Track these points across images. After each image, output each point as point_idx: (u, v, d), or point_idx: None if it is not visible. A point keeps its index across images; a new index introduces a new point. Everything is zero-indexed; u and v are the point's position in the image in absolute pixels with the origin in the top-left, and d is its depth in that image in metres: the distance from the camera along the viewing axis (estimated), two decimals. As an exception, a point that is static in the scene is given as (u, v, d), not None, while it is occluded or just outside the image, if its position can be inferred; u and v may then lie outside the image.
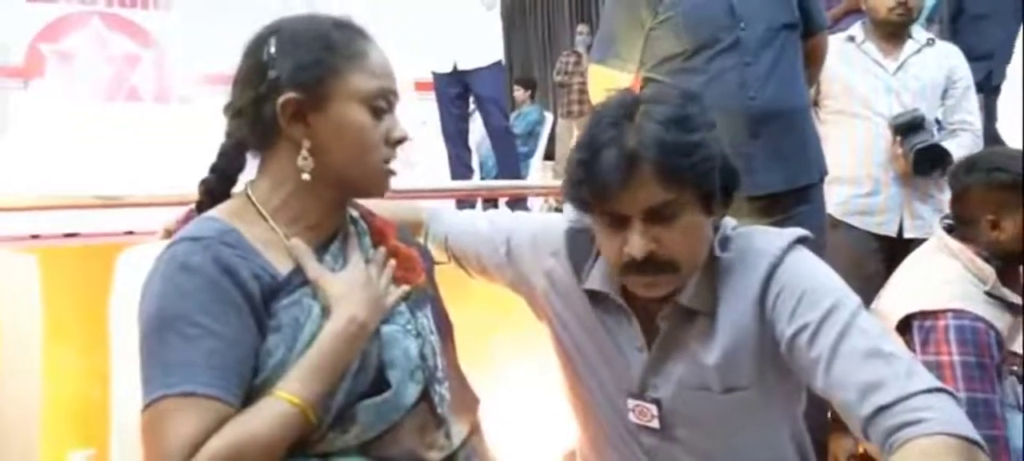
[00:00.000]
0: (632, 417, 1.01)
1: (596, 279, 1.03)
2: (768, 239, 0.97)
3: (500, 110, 3.85)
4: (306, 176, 0.84)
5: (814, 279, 0.93)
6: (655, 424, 1.00)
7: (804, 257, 0.96)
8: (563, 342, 1.07)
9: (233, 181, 0.91)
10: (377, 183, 0.89)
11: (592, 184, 0.92)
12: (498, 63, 3.73)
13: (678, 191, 0.91)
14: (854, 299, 0.92)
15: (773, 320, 0.93)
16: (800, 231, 0.99)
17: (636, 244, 0.91)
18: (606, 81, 1.70)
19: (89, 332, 1.15)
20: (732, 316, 0.95)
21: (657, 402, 0.99)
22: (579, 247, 1.05)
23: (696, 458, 1.00)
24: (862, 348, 0.86)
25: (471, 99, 3.82)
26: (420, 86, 4.45)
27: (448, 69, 3.67)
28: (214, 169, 0.91)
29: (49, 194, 1.81)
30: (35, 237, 1.72)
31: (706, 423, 0.99)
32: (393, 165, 0.90)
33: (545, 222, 1.16)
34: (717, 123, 0.96)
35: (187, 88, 4.96)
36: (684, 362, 0.98)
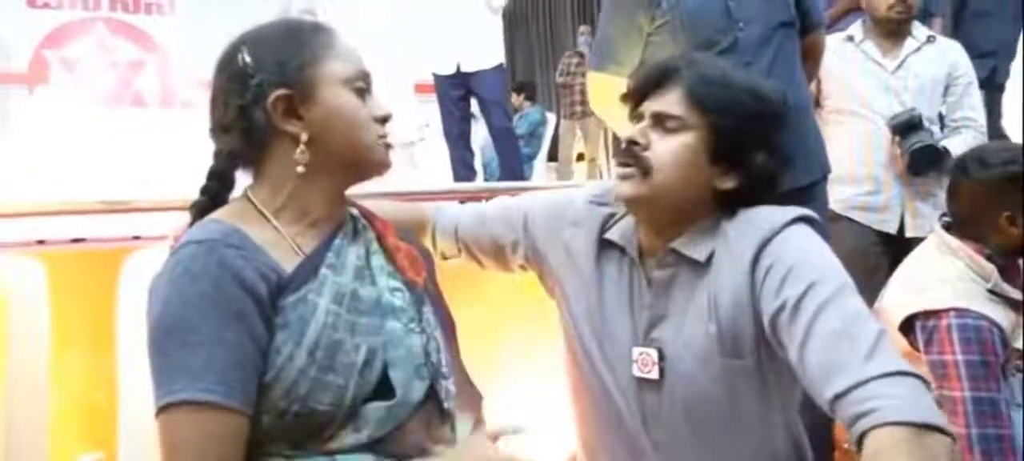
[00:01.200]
0: (635, 369, 1.02)
1: (615, 233, 1.08)
2: (770, 212, 1.00)
3: (503, 111, 3.86)
4: (301, 168, 0.85)
5: (803, 255, 0.94)
6: (655, 374, 1.01)
7: (801, 234, 0.97)
8: (574, 311, 1.09)
9: (225, 201, 0.92)
10: (377, 160, 0.90)
11: (634, 84, 1.06)
12: (500, 65, 3.75)
13: (691, 114, 0.99)
14: (839, 278, 0.92)
15: (761, 295, 0.94)
16: (803, 210, 1.01)
17: (631, 130, 1.02)
18: (606, 88, 1.70)
19: (96, 336, 1.16)
20: (728, 280, 0.97)
21: (660, 351, 1.01)
22: (602, 216, 1.10)
23: (691, 428, 1.01)
24: (833, 328, 0.87)
25: (473, 101, 3.83)
26: (420, 88, 4.46)
27: (451, 71, 3.68)
28: (205, 190, 0.91)
29: (55, 200, 1.82)
30: (41, 242, 1.73)
31: (703, 387, 0.99)
32: (396, 165, 0.92)
33: (561, 196, 1.18)
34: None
35: (190, 92, 4.98)
36: (688, 319, 1.00)
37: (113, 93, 5.16)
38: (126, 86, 5.24)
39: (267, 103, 0.85)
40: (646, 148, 1.00)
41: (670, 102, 1.00)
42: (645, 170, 0.99)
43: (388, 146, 0.91)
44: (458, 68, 3.66)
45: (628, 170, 1.00)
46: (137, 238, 1.62)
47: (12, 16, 4.99)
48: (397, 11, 4.41)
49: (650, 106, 1.02)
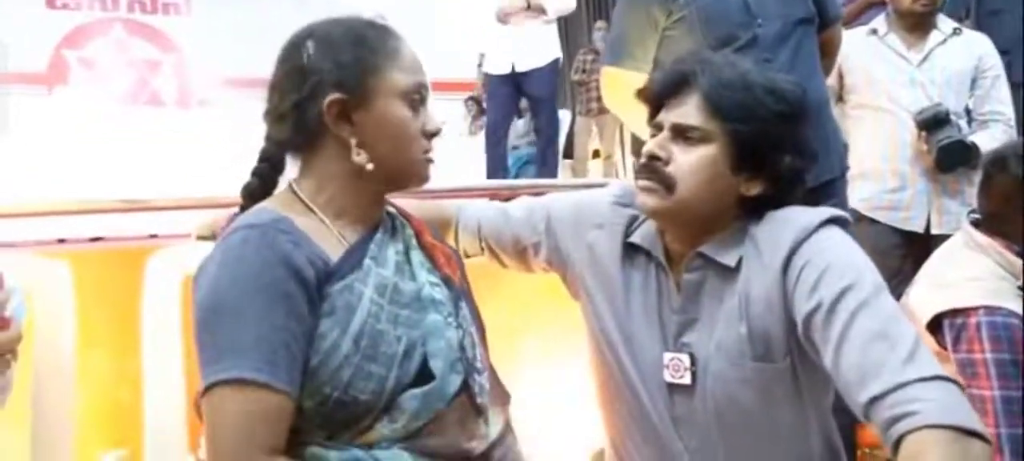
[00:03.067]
0: (667, 374, 1.01)
1: (639, 236, 1.07)
2: (801, 213, 0.98)
3: (552, 110, 3.89)
4: (370, 166, 0.87)
5: (837, 257, 0.92)
6: (687, 379, 0.99)
7: (833, 235, 0.96)
8: (600, 314, 1.08)
9: (275, 184, 0.93)
10: (419, 173, 0.92)
11: (651, 91, 1.03)
12: (556, 61, 3.73)
13: (711, 123, 0.97)
14: (875, 280, 0.90)
15: (794, 297, 0.93)
16: (835, 210, 0.99)
17: (650, 143, 1.00)
18: (620, 84, 1.68)
19: (120, 334, 1.17)
20: (759, 283, 0.96)
21: (691, 355, 1.00)
22: (627, 218, 1.09)
23: (724, 433, 0.99)
24: (869, 330, 0.85)
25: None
26: (437, 86, 4.47)
27: (506, 71, 3.67)
28: (256, 173, 0.93)
29: (76, 199, 1.83)
30: (61, 241, 1.75)
31: (736, 391, 0.98)
32: (429, 158, 0.93)
33: (585, 197, 1.17)
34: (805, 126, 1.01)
35: (207, 92, 5.03)
36: (718, 323, 0.99)
37: (131, 93, 5.22)
38: (143, 86, 5.30)
39: (322, 104, 0.86)
40: (667, 162, 0.98)
41: (688, 112, 0.98)
42: (668, 185, 0.97)
43: (431, 161, 0.92)
44: (513, 68, 3.65)
45: (651, 185, 0.98)
46: (154, 236, 1.63)
47: (31, 17, 5.04)
48: (413, 8, 4.42)
49: (668, 116, 1.00)
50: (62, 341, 1.15)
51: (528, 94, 3.73)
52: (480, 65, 3.90)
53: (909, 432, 0.78)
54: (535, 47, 3.66)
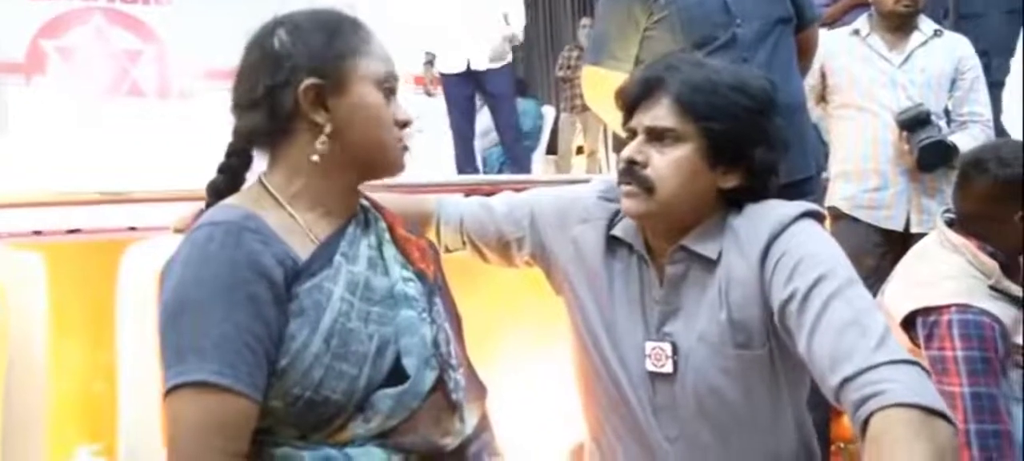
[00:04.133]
0: (649, 364, 1.03)
1: (621, 230, 1.08)
2: (778, 207, 1.01)
3: (512, 108, 3.91)
4: (316, 158, 0.85)
5: (812, 248, 0.95)
6: (668, 367, 1.02)
7: (808, 228, 0.99)
8: (584, 307, 1.09)
9: (242, 181, 0.92)
10: (394, 161, 0.92)
11: (623, 95, 1.05)
12: (509, 63, 3.78)
13: (684, 124, 0.99)
14: (847, 271, 0.93)
15: (771, 285, 0.95)
16: (810, 204, 1.02)
17: (628, 149, 1.02)
18: (601, 82, 1.69)
19: (95, 327, 1.16)
20: (739, 272, 0.98)
21: (673, 345, 1.02)
22: (610, 212, 1.10)
23: (703, 423, 1.01)
24: (842, 319, 0.88)
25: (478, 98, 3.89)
26: (419, 83, 4.47)
27: (461, 69, 3.69)
28: (223, 169, 0.91)
29: (53, 191, 1.81)
30: (38, 233, 1.73)
31: (716, 380, 1.00)
32: (404, 146, 0.93)
33: (569, 193, 1.18)
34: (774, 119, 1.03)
35: (188, 82, 4.98)
36: (700, 312, 1.01)
37: (110, 83, 5.14)
38: (123, 76, 5.22)
39: (298, 89, 0.85)
40: (645, 165, 1.00)
41: (660, 114, 1.00)
42: (648, 188, 1.00)
43: (406, 149, 0.92)
44: (468, 65, 3.66)
45: (631, 189, 1.01)
46: (133, 229, 1.61)
47: (9, 5, 4.95)
48: (393, 4, 4.40)
49: (641, 120, 1.02)
50: (35, 335, 1.13)
51: (487, 92, 3.77)
52: (430, 63, 3.91)
53: (877, 410, 0.80)
54: (489, 46, 3.69)
